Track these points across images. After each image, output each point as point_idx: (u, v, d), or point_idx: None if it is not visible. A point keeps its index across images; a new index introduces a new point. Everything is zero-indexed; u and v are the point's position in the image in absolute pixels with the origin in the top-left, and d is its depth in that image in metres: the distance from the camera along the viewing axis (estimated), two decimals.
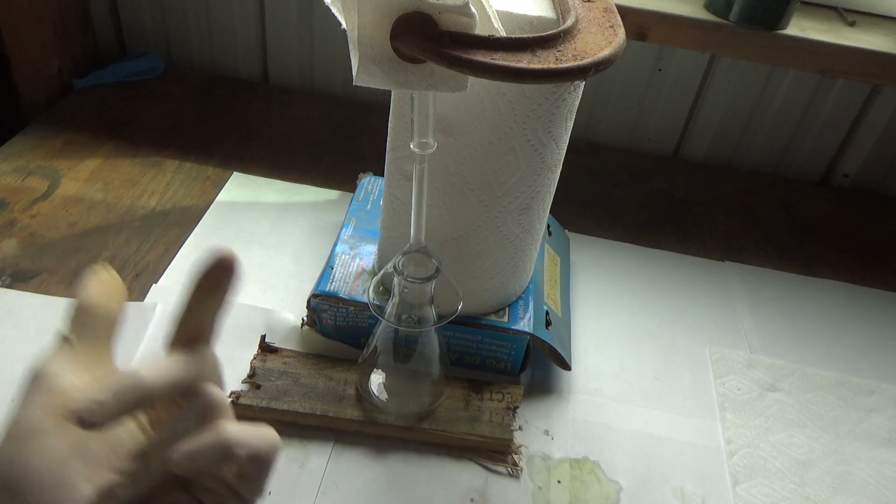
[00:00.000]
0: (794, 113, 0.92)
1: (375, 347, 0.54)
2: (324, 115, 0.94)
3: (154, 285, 0.64)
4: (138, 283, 0.65)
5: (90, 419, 0.29)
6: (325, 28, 0.93)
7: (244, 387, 0.55)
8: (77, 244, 0.68)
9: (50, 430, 0.30)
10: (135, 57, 0.96)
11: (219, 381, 0.35)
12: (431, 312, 0.50)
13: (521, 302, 0.60)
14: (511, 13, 0.44)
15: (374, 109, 0.95)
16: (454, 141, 0.49)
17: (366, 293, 0.58)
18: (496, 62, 0.36)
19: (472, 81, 0.40)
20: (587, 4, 0.44)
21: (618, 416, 0.60)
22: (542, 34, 0.39)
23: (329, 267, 0.61)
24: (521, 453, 0.55)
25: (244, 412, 0.54)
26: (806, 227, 0.87)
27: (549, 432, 0.57)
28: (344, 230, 0.65)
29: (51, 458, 0.30)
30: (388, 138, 0.53)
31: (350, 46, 0.38)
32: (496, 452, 0.55)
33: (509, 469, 0.54)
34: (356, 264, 0.61)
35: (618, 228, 0.82)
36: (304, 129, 0.90)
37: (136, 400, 0.30)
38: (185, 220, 0.73)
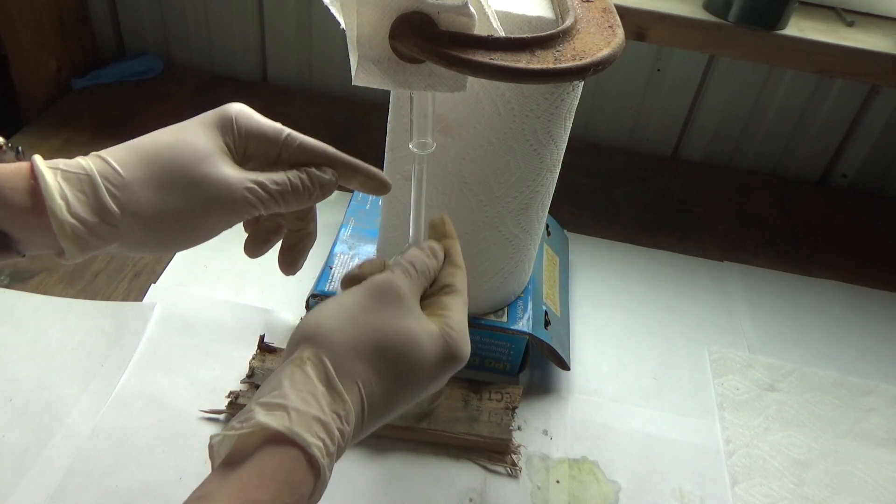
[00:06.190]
0: (793, 113, 0.92)
1: None
2: (323, 114, 0.93)
3: (153, 285, 0.64)
4: (137, 283, 0.65)
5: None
6: (324, 28, 0.93)
7: (243, 387, 0.55)
8: None
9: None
10: (134, 56, 0.96)
11: None
12: None
13: (519, 302, 0.60)
14: (510, 13, 0.44)
15: (373, 109, 0.95)
16: (453, 141, 0.49)
17: None
18: (495, 62, 0.36)
19: (471, 81, 0.40)
20: (586, 4, 0.44)
21: (616, 416, 0.60)
22: (541, 34, 0.39)
23: (328, 267, 0.61)
24: (519, 453, 0.55)
25: None
26: (805, 227, 0.87)
27: (547, 432, 0.57)
28: (343, 230, 0.65)
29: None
30: (388, 138, 0.53)
31: (349, 46, 0.38)
32: (495, 452, 0.55)
33: (508, 469, 0.54)
34: (355, 264, 0.61)
35: (617, 228, 0.82)
36: (304, 129, 0.89)
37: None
38: None
